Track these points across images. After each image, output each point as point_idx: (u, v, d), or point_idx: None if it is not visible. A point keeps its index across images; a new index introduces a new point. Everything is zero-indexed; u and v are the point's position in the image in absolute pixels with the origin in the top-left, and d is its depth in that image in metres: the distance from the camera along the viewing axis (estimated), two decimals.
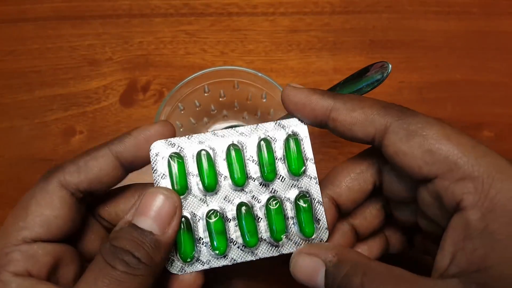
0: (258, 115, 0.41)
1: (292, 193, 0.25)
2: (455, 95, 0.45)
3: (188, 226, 0.24)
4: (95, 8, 0.48)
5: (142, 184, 0.27)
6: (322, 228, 0.25)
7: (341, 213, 0.26)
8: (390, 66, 0.32)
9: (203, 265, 0.24)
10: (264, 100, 0.39)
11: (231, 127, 0.41)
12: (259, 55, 0.47)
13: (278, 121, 0.25)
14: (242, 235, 0.24)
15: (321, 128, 0.25)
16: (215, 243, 0.24)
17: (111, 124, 0.43)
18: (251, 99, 0.40)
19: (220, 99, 0.40)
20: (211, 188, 0.24)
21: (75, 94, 0.44)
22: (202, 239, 0.24)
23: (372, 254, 0.28)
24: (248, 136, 0.25)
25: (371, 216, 0.27)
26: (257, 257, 0.24)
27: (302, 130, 0.25)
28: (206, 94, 0.38)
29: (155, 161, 0.24)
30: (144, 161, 0.25)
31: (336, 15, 0.49)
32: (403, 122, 0.22)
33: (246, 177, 0.25)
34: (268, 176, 0.25)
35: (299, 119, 0.25)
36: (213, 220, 0.24)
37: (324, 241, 0.25)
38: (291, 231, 0.25)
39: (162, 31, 0.47)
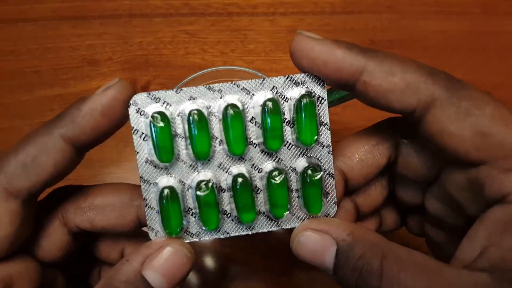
0: None
1: (300, 164, 0.21)
2: None
3: (173, 197, 0.20)
4: (95, 8, 0.48)
5: (119, 184, 0.23)
6: (330, 202, 0.21)
7: (347, 189, 0.23)
8: None
9: (192, 237, 0.21)
10: None
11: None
12: (259, 55, 0.47)
13: (291, 75, 0.21)
14: (237, 209, 0.21)
15: (344, 90, 0.21)
16: (204, 218, 0.21)
17: None
18: None
19: None
20: (202, 156, 0.20)
21: (75, 94, 0.44)
22: (192, 209, 0.21)
23: None
24: (252, 94, 0.21)
25: (376, 193, 0.24)
26: (254, 231, 0.21)
27: (320, 90, 0.21)
28: None
29: (135, 119, 0.20)
30: (105, 138, 0.20)
31: (336, 15, 0.49)
32: (453, 95, 0.18)
33: (245, 144, 0.21)
34: (272, 144, 0.21)
35: (318, 77, 0.21)
36: (203, 193, 0.20)
37: (331, 216, 0.22)
38: (294, 204, 0.21)
39: (162, 31, 0.47)
